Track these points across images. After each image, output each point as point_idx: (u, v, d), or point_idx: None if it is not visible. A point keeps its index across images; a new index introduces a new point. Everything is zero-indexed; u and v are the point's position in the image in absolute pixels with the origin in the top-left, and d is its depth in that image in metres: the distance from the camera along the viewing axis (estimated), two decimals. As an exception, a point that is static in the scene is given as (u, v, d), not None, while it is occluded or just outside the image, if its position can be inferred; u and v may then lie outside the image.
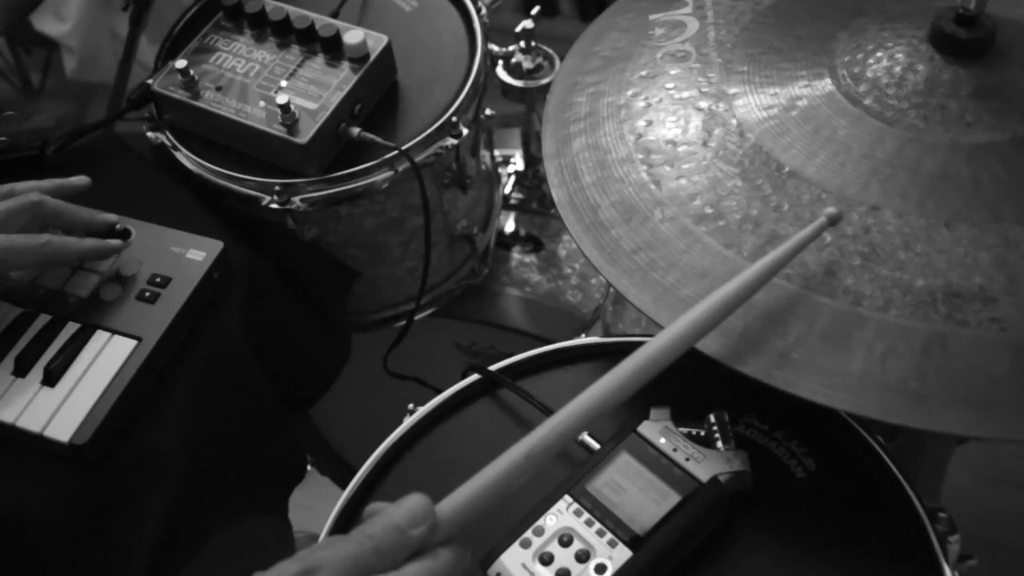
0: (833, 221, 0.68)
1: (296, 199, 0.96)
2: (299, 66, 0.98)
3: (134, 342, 0.83)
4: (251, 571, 0.51)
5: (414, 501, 0.53)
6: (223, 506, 0.85)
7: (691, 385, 0.70)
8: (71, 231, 0.87)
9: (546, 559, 0.64)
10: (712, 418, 0.71)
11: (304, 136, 0.93)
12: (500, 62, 1.18)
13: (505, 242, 1.31)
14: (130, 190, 0.99)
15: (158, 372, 0.84)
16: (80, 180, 0.90)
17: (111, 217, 0.89)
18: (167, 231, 0.91)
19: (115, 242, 0.87)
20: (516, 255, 1.30)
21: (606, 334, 1.13)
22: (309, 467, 1.39)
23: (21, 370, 0.83)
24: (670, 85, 0.81)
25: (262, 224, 0.99)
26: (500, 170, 1.31)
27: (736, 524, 0.69)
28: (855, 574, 0.67)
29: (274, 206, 0.95)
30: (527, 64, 1.17)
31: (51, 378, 0.82)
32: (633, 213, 0.74)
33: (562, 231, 1.32)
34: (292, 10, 1.00)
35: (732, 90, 0.79)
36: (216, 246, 0.89)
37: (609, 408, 0.59)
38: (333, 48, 0.98)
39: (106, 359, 0.83)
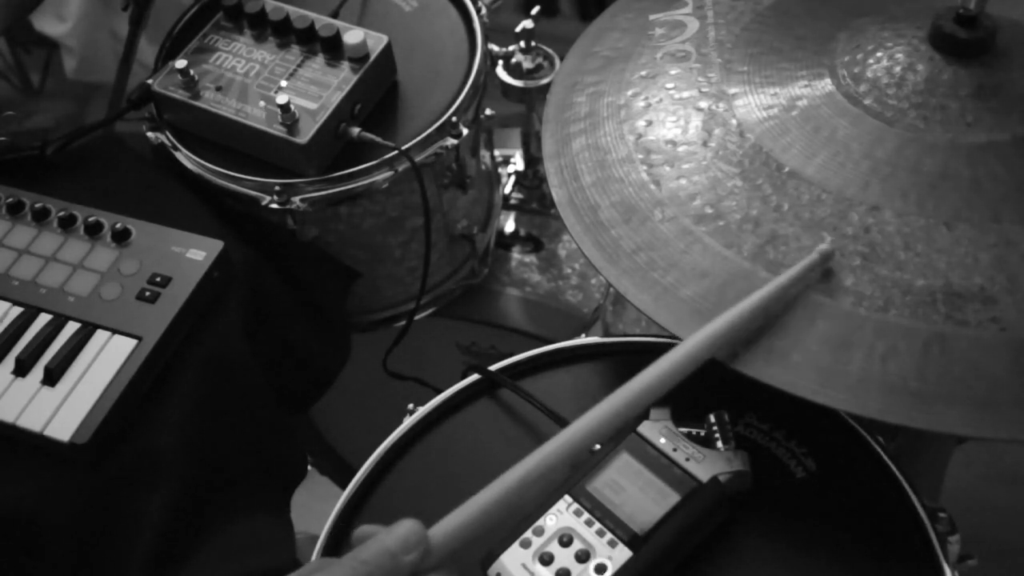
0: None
1: (296, 199, 0.96)
2: (299, 66, 0.98)
3: (134, 341, 0.83)
4: (251, 571, 0.51)
5: (407, 527, 0.53)
6: (223, 506, 0.85)
7: (691, 385, 0.70)
8: None
9: (546, 559, 0.64)
10: (712, 418, 0.71)
11: (304, 136, 0.93)
12: (500, 62, 1.18)
13: (505, 242, 1.31)
14: (130, 190, 0.99)
15: (158, 372, 0.84)
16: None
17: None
18: (167, 231, 0.91)
19: None
20: (516, 255, 1.30)
21: (606, 334, 1.13)
22: (309, 467, 1.39)
23: (21, 370, 0.83)
24: (670, 85, 0.81)
25: (262, 224, 0.99)
26: (500, 170, 1.31)
27: (736, 524, 0.69)
28: (855, 574, 0.67)
29: (274, 206, 0.95)
30: (527, 64, 1.17)
31: (51, 377, 0.82)
32: (633, 213, 0.74)
33: (562, 231, 1.32)
34: (292, 10, 1.00)
35: (732, 90, 0.79)
36: (216, 246, 0.89)
37: (603, 436, 0.60)
38: (333, 48, 0.98)
39: (106, 359, 0.83)
